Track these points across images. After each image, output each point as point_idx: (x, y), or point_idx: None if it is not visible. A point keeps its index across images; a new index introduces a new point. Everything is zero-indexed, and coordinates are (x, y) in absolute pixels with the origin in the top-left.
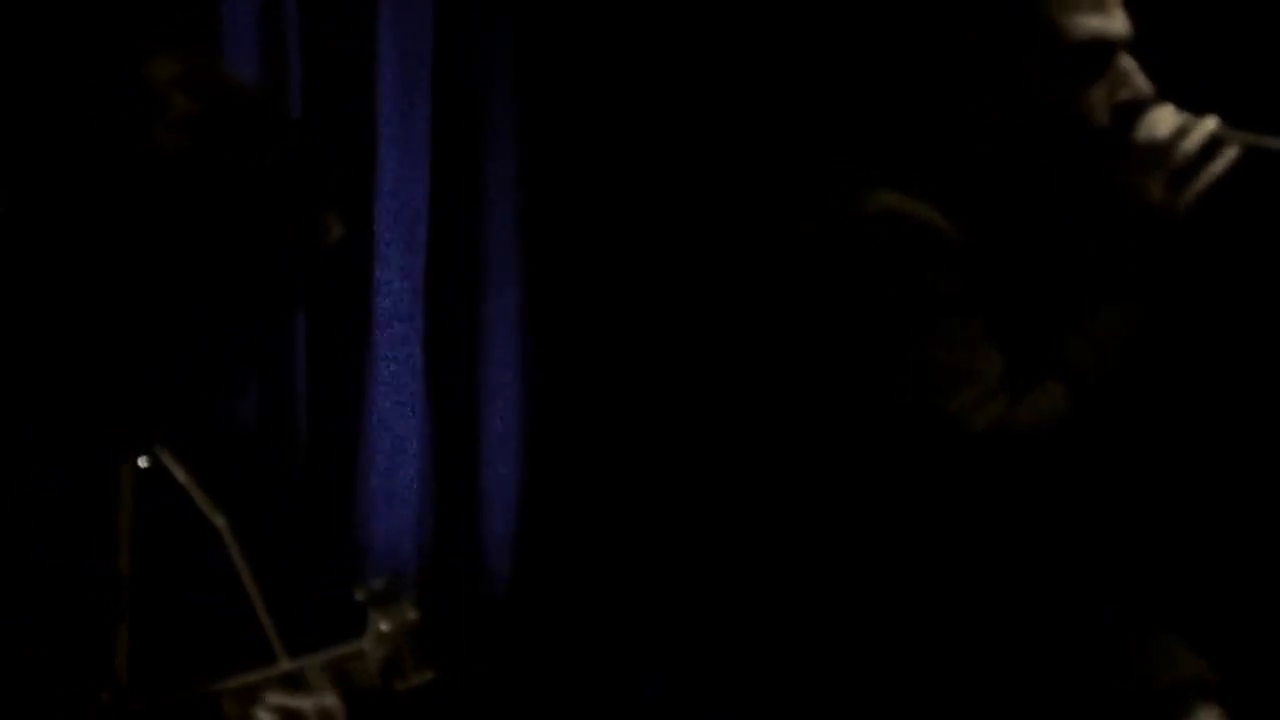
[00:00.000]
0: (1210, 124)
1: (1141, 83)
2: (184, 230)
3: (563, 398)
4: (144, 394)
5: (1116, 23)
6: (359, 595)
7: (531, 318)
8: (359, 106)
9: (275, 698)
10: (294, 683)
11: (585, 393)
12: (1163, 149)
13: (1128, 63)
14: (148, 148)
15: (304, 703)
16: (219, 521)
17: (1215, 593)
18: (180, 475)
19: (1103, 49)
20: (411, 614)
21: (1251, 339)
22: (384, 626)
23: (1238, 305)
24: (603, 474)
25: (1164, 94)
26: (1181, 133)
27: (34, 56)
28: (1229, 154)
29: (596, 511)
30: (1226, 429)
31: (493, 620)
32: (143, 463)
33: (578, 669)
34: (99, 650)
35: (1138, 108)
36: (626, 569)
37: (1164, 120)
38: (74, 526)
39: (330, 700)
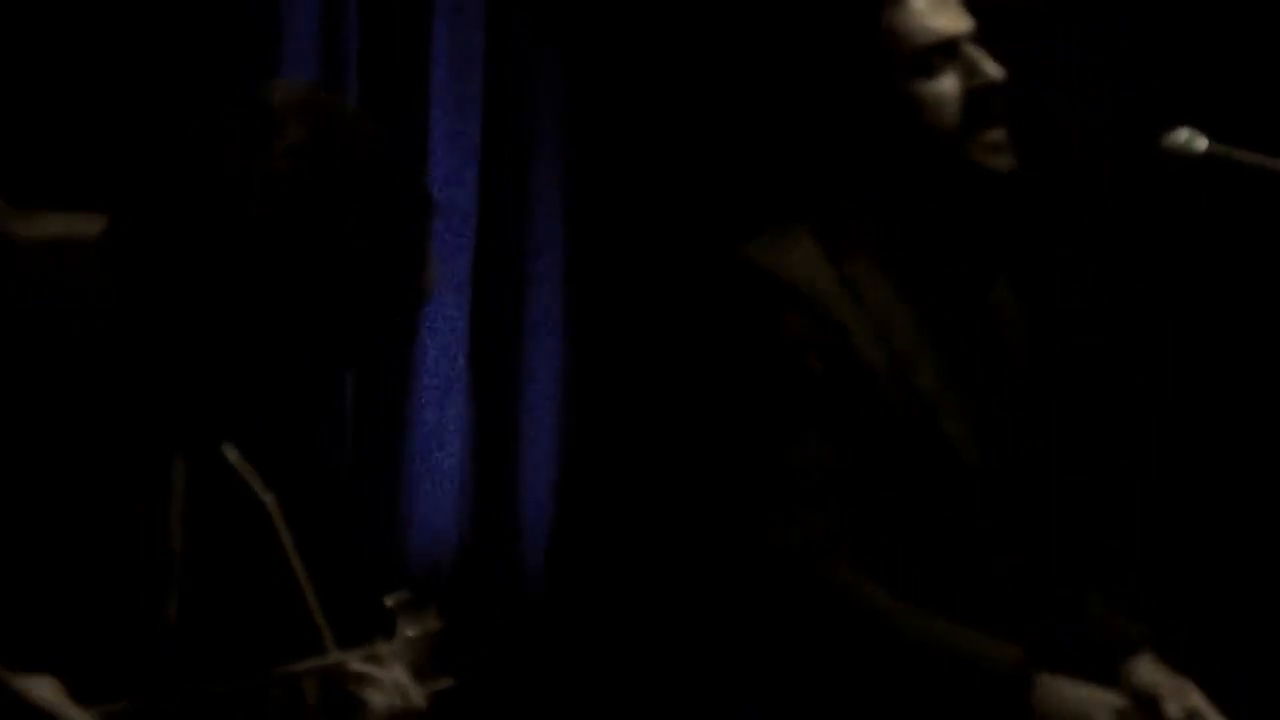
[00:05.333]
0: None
1: (990, 68)
2: (283, 259)
3: (602, 395)
4: (210, 396)
5: (955, 20)
6: (389, 602)
7: (573, 315)
8: (412, 108)
9: (358, 665)
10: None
11: (625, 391)
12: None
13: (974, 52)
14: (260, 172)
15: (383, 674)
16: (268, 499)
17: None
18: (230, 453)
19: (947, 46)
20: (433, 623)
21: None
22: (409, 632)
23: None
24: (641, 470)
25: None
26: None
27: (145, 76)
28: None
29: (634, 504)
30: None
31: (530, 610)
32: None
33: (613, 660)
34: (150, 623)
35: (989, 91)
36: (662, 562)
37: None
38: (128, 501)
39: (402, 675)
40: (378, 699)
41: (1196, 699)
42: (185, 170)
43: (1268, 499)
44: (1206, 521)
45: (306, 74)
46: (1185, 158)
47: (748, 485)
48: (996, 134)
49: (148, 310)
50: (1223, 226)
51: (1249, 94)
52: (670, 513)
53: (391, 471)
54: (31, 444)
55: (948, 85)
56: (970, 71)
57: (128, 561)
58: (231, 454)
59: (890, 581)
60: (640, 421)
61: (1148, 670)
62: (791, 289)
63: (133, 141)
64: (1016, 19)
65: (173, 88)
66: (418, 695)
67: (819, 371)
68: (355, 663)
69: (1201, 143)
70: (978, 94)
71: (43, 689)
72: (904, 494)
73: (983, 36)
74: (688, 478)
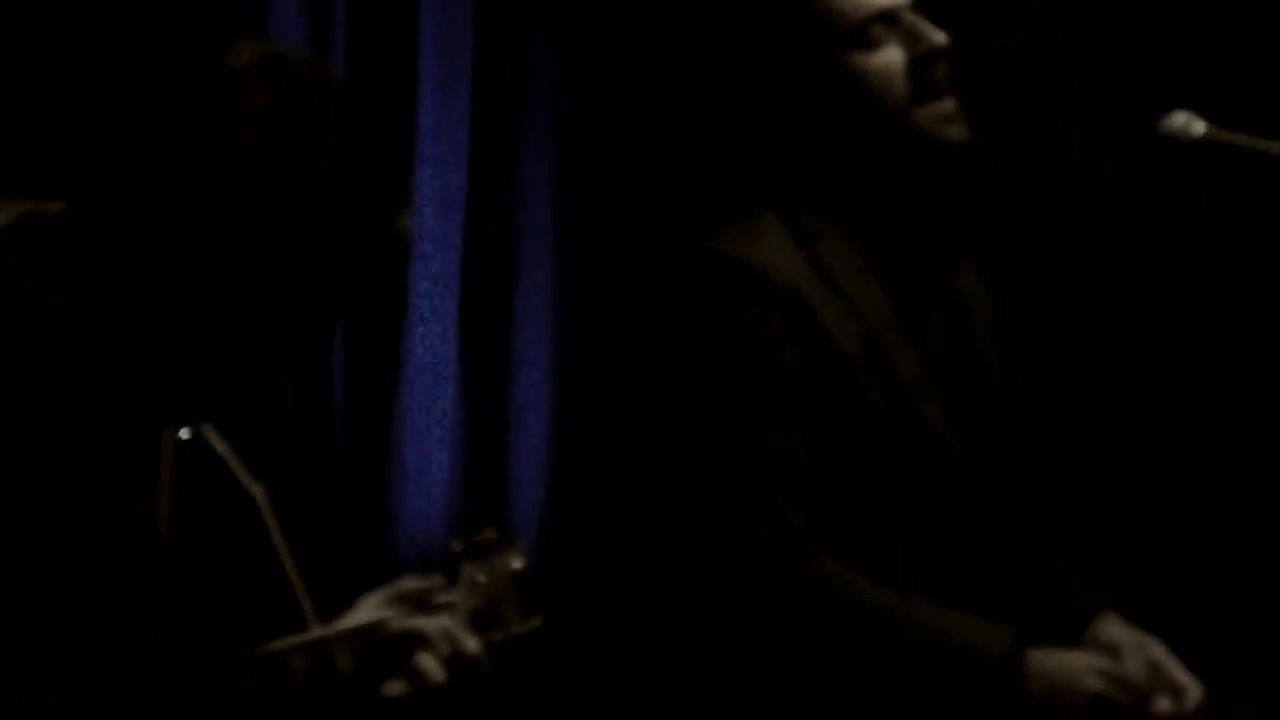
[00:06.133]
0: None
1: (934, 34)
2: (252, 221)
3: (593, 387)
4: (189, 369)
5: None
6: (455, 547)
7: (564, 307)
8: (401, 95)
9: (400, 622)
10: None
11: (616, 383)
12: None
13: (915, 19)
14: (224, 139)
15: (432, 627)
16: (256, 491)
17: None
18: (219, 445)
19: (886, 17)
20: (516, 563)
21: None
22: (480, 577)
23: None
24: (632, 463)
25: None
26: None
27: (111, 46)
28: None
29: (626, 497)
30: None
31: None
32: (183, 434)
33: (605, 654)
34: (137, 614)
35: (934, 57)
36: (655, 556)
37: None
38: (114, 494)
39: (452, 624)
40: (425, 657)
41: (1158, 653)
42: (148, 142)
43: (1268, 499)
44: (1206, 521)
45: None
46: (1183, 142)
47: (726, 479)
48: (946, 105)
49: (115, 288)
50: (1223, 226)
51: (1249, 92)
52: (662, 506)
53: (381, 464)
54: (12, 432)
55: (891, 55)
56: (913, 39)
57: (114, 552)
58: (220, 445)
59: (875, 571)
60: (632, 414)
61: (1111, 629)
62: (761, 277)
63: (100, 117)
64: (1015, 17)
65: (153, 75)
66: (474, 644)
67: (793, 361)
68: (397, 620)
69: (1199, 126)
70: (922, 61)
71: None
72: (885, 481)
73: (924, 7)
74: (679, 471)
